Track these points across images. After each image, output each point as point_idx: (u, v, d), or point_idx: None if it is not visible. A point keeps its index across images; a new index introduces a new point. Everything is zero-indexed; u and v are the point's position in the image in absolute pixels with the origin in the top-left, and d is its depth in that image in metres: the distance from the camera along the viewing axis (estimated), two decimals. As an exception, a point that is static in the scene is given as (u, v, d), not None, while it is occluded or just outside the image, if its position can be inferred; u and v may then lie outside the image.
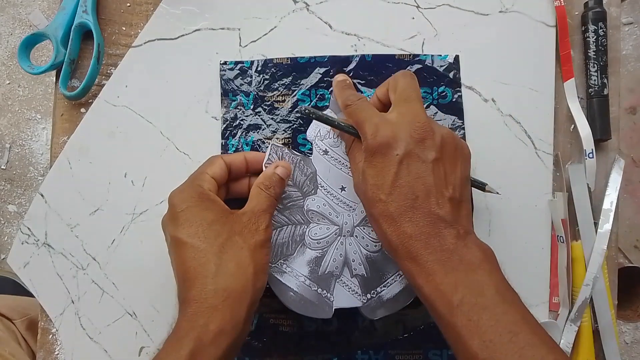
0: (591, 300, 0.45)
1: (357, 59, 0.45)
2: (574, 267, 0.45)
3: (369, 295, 0.42)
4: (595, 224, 0.45)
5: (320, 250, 0.42)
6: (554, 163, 0.46)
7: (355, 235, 0.43)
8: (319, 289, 0.42)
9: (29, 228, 0.48)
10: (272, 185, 0.39)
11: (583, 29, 0.46)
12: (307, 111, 0.39)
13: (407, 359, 0.45)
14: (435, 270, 0.32)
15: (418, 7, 0.46)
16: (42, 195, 0.48)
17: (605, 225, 0.45)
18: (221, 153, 0.46)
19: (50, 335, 0.48)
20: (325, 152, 0.43)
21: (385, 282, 0.42)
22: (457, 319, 0.30)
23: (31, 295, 0.49)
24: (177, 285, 0.36)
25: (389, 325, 0.44)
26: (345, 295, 0.42)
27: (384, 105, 0.40)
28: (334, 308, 0.42)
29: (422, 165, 0.34)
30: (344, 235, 0.43)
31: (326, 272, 0.42)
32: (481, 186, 0.41)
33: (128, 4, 0.49)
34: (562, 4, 0.45)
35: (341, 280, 0.42)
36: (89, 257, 0.47)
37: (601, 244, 0.44)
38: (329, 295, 0.42)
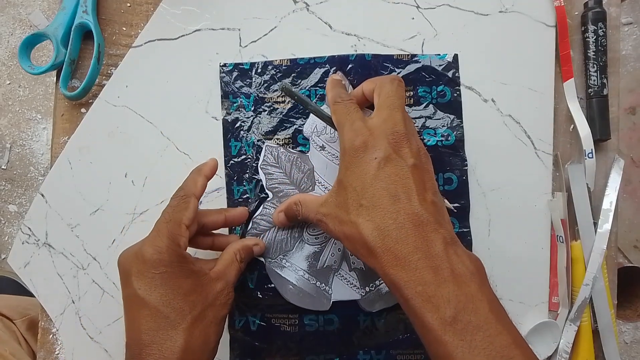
0: (591, 300, 0.45)
1: (356, 58, 0.45)
2: (573, 267, 0.45)
3: (367, 289, 0.43)
4: (595, 224, 0.45)
5: (319, 246, 0.43)
6: (553, 163, 0.46)
7: None
8: (318, 282, 0.43)
9: (29, 228, 0.48)
10: (246, 259, 0.40)
11: (583, 29, 0.46)
12: (285, 87, 0.37)
13: (408, 358, 0.45)
14: (427, 281, 0.30)
15: (418, 7, 0.46)
16: (42, 195, 0.48)
17: (605, 225, 0.45)
18: (224, 155, 0.46)
19: (51, 335, 0.48)
20: (322, 148, 0.43)
21: None
22: (448, 337, 0.29)
23: (32, 295, 0.49)
24: (128, 338, 0.34)
25: (391, 325, 0.44)
26: (344, 289, 0.43)
27: (366, 100, 0.40)
28: (332, 301, 0.43)
29: (401, 169, 0.33)
30: None
31: (324, 266, 0.43)
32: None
33: (128, 4, 0.49)
34: (562, 4, 0.45)
35: (340, 274, 0.43)
36: (89, 256, 0.47)
37: (601, 243, 0.44)
38: (327, 288, 0.43)
